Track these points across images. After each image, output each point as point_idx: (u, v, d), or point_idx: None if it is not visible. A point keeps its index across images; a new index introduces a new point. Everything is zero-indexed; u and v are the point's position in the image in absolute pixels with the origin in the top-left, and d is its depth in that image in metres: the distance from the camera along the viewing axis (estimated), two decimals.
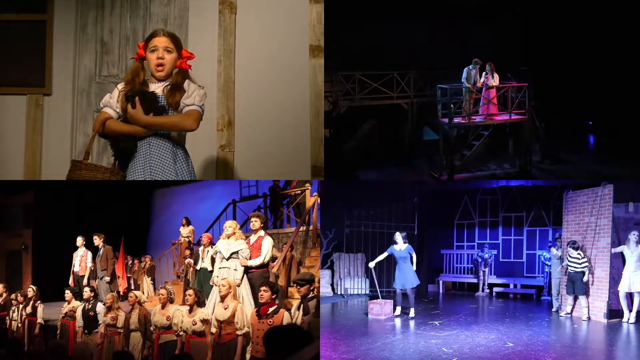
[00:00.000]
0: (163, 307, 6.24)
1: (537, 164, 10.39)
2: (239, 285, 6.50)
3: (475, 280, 12.35)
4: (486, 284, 12.07)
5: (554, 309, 9.27)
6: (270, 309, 5.46)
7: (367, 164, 10.38)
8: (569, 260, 8.46)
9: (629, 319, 7.85)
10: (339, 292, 11.44)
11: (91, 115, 7.36)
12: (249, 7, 7.30)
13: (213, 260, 7.20)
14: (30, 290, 8.36)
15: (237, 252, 6.71)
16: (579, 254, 8.33)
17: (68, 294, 7.87)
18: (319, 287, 7.64)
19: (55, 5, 7.40)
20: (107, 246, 9.66)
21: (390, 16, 10.99)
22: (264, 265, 6.82)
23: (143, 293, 9.41)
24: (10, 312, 8.45)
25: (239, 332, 5.59)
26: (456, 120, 9.90)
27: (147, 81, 4.93)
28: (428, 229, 12.01)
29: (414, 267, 8.57)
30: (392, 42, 11.23)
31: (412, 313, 8.41)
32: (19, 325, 8.28)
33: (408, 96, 11.08)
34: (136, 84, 4.87)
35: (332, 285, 11.54)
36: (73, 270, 9.63)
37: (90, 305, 7.38)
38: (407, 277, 8.48)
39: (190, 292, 6.10)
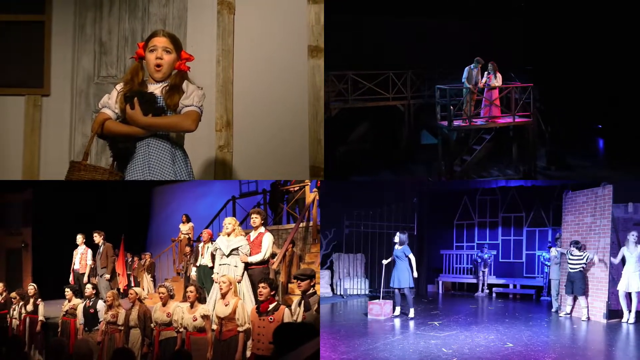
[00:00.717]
0: (164, 304, 6.25)
1: (543, 169, 9.86)
2: (239, 282, 6.52)
3: (474, 281, 12.35)
4: (486, 285, 12.07)
5: (553, 310, 9.27)
6: (271, 306, 5.47)
7: (361, 169, 9.93)
8: (569, 260, 8.46)
9: (628, 319, 7.85)
10: (338, 293, 11.43)
11: (90, 116, 7.35)
12: (248, 7, 7.29)
13: (213, 257, 7.21)
14: (31, 288, 8.37)
15: (237, 249, 6.74)
16: (582, 253, 8.34)
17: (68, 291, 7.87)
18: (319, 284, 7.64)
19: (53, 6, 7.39)
20: (107, 244, 9.69)
21: (387, 12, 10.60)
22: (265, 262, 6.84)
23: (143, 290, 9.41)
24: (11, 310, 8.45)
25: (239, 329, 5.62)
26: (456, 123, 9.37)
27: (146, 82, 4.93)
28: (428, 229, 11.97)
29: (414, 269, 8.56)
30: (388, 40, 10.85)
31: (411, 313, 8.42)
32: (19, 323, 8.28)
33: (405, 97, 10.66)
34: (135, 84, 4.87)
35: (331, 285, 11.53)
36: (73, 268, 9.67)
37: (91, 303, 7.40)
38: (400, 276, 8.50)
39: (191, 288, 6.12)
